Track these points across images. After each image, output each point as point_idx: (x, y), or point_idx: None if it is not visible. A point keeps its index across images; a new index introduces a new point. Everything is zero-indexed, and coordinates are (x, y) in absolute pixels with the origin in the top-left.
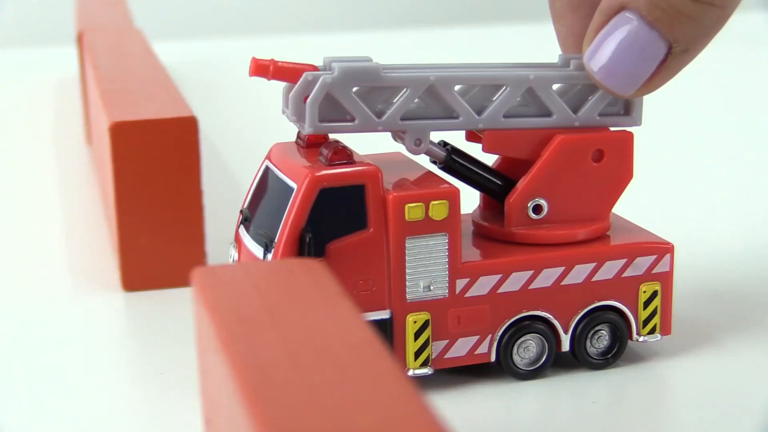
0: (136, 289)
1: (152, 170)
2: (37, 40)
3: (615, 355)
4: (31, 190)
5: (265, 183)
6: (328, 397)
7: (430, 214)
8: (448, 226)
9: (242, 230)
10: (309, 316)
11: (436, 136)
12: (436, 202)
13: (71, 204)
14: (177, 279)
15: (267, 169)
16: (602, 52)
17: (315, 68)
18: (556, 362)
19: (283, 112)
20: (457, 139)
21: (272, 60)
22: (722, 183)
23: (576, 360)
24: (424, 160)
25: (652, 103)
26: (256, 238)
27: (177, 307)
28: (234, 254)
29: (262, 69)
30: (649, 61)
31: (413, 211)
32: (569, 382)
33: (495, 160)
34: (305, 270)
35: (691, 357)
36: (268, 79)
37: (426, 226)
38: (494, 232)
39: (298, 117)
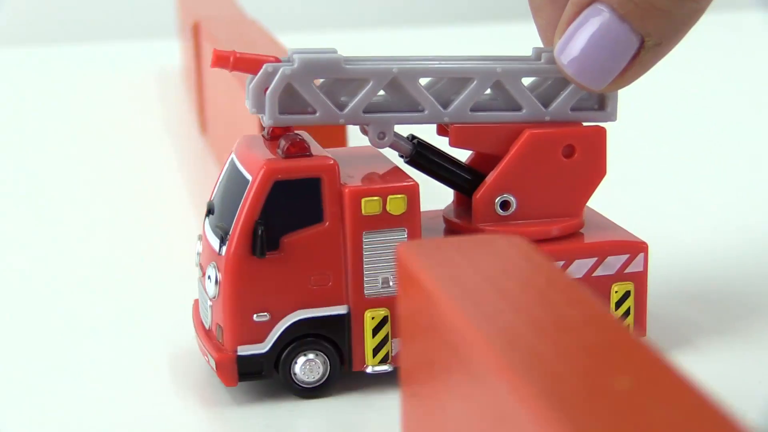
0: None
1: None
2: (135, 33)
3: None
4: (154, 180)
5: (227, 176)
6: (589, 368)
7: (387, 209)
8: (407, 221)
9: (206, 223)
10: (532, 289)
11: (406, 130)
12: (394, 196)
13: (197, 192)
14: None
15: (231, 161)
16: (573, 45)
17: (277, 60)
18: None
19: (246, 104)
20: (429, 133)
21: (233, 51)
22: (703, 181)
23: None
24: (395, 156)
25: (635, 97)
26: (215, 231)
27: None
28: (199, 247)
29: (223, 60)
30: (620, 55)
31: (369, 205)
32: None
33: (469, 156)
34: (510, 244)
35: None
36: (230, 71)
37: (384, 221)
38: (462, 229)
39: (259, 109)
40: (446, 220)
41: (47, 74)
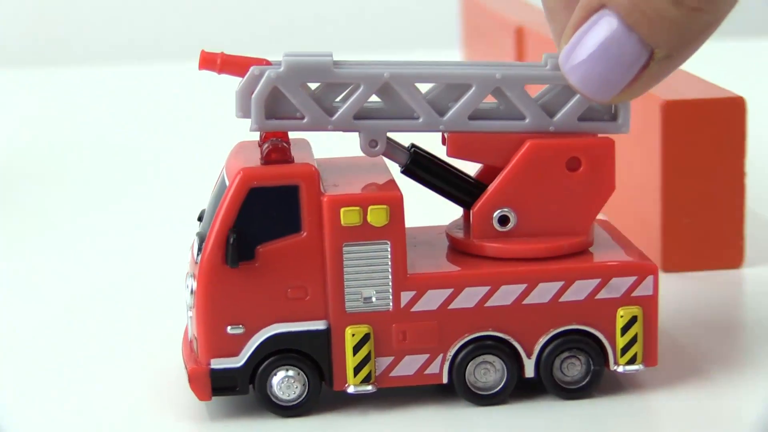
0: (676, 270)
1: (698, 150)
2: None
3: (588, 385)
4: None
5: (218, 182)
6: None
7: (368, 220)
8: (390, 233)
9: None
10: None
11: (407, 140)
12: (375, 206)
13: None
14: (715, 261)
15: (222, 168)
16: (578, 53)
17: (267, 62)
18: (523, 390)
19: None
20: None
21: (221, 53)
22: None
23: (544, 390)
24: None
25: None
26: (196, 238)
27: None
28: (190, 255)
29: (210, 62)
30: (627, 65)
31: (349, 215)
32: (533, 411)
33: (478, 169)
34: None
35: (677, 390)
36: (218, 73)
37: (365, 233)
38: (459, 244)
39: (245, 113)
40: (448, 236)
41: None
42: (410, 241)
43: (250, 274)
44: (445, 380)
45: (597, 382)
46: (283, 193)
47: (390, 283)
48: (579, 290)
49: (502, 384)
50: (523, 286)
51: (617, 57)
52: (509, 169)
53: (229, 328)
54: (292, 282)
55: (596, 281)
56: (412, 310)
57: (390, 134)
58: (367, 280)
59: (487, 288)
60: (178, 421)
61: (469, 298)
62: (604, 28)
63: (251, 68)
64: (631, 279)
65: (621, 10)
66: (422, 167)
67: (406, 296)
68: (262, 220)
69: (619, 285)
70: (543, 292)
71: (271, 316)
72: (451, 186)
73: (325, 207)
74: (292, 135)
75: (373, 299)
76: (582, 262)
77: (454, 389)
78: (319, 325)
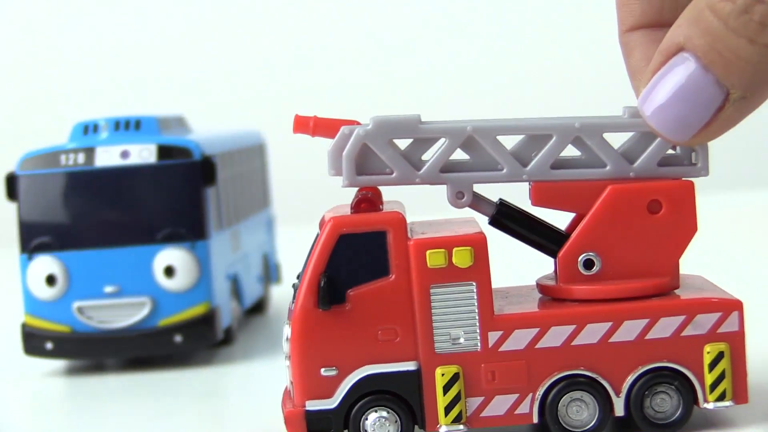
0: None
1: None
2: None
3: (677, 422)
4: None
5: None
6: None
7: (453, 261)
8: (475, 274)
9: None
10: None
11: (494, 193)
12: (460, 248)
13: None
14: None
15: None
16: (656, 94)
17: (356, 123)
18: (615, 428)
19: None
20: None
21: (313, 116)
22: None
23: (636, 426)
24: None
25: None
26: (293, 289)
27: None
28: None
29: (303, 125)
30: (703, 106)
31: (434, 257)
32: None
33: (572, 218)
34: None
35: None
36: (311, 136)
37: (451, 274)
38: (548, 291)
39: (337, 171)
40: (538, 285)
41: None
42: (502, 294)
43: (342, 318)
44: (535, 420)
45: (688, 417)
46: (371, 238)
47: (477, 324)
48: (664, 328)
49: (596, 420)
50: (609, 324)
51: (693, 98)
52: (592, 214)
53: (322, 370)
54: (383, 324)
55: (681, 318)
56: (500, 350)
57: (476, 188)
58: (454, 320)
59: (573, 327)
60: None
61: (555, 337)
62: (681, 69)
63: (341, 128)
64: (716, 315)
65: (698, 51)
66: (509, 217)
67: (493, 336)
68: (352, 265)
69: (704, 322)
70: (629, 330)
71: (363, 358)
72: (538, 234)
73: (412, 250)
74: (386, 197)
75: (462, 340)
76: (666, 300)
77: (544, 430)
78: (409, 366)
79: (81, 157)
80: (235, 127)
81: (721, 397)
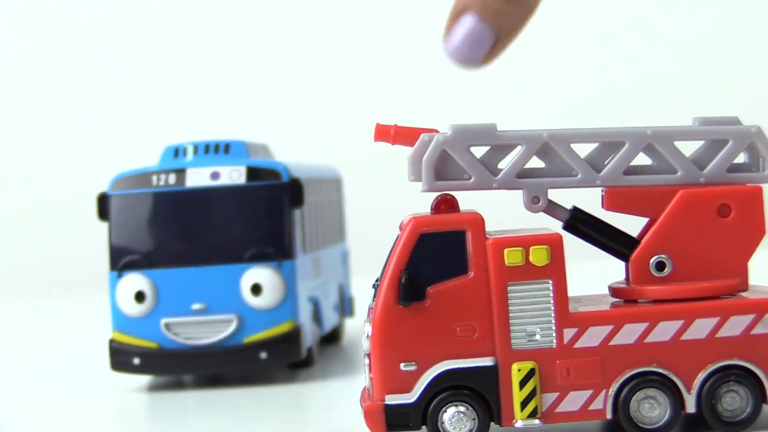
0: None
1: None
2: None
3: (747, 420)
4: None
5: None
6: None
7: (530, 259)
8: (552, 272)
9: None
10: None
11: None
12: (536, 247)
13: None
14: None
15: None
16: (453, 39)
17: (435, 131)
18: (686, 426)
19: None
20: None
21: (394, 124)
22: None
23: (706, 423)
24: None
25: None
26: (372, 290)
27: None
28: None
29: (384, 134)
30: (483, 44)
31: (512, 255)
32: None
33: (646, 223)
34: None
35: None
36: (392, 144)
37: (528, 272)
38: (620, 293)
39: (416, 176)
40: (610, 288)
41: None
42: (575, 299)
43: (421, 314)
44: (609, 416)
45: (757, 415)
46: (451, 237)
47: (553, 321)
48: (734, 326)
49: (667, 417)
50: (681, 322)
51: (477, 39)
52: (664, 218)
53: (402, 365)
54: (461, 320)
55: (751, 317)
56: (575, 346)
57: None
58: (531, 317)
59: (646, 324)
60: None
61: (628, 334)
62: (467, 21)
63: (421, 135)
64: None
65: (478, 10)
66: (583, 222)
67: (568, 333)
68: (432, 263)
69: None
70: (700, 328)
71: (442, 353)
72: (610, 239)
73: (490, 248)
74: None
75: (537, 336)
76: (736, 299)
77: (618, 426)
78: (487, 361)
79: (172, 178)
80: (313, 160)
81: None
